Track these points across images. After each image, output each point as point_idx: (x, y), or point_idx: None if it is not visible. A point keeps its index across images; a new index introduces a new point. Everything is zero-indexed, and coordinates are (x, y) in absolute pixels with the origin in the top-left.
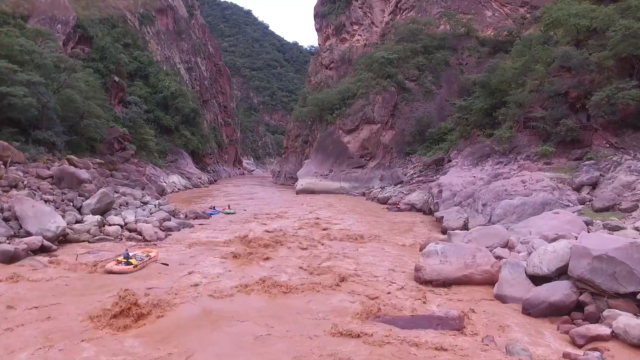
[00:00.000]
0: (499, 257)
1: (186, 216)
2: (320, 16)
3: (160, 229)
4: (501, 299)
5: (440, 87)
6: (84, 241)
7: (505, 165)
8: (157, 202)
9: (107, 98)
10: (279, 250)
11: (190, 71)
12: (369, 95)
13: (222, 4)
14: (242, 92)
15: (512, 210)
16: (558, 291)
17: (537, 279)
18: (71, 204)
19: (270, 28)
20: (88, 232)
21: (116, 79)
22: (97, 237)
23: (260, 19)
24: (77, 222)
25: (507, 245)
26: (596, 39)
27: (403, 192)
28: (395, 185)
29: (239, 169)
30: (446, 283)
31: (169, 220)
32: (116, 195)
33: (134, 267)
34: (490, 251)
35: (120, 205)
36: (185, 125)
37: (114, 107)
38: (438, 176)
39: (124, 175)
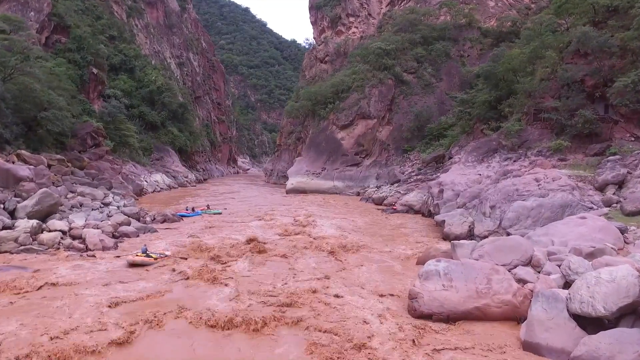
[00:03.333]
0: (522, 281)
1: (153, 219)
2: (315, 8)
3: (114, 235)
4: (533, 348)
5: (440, 79)
6: (5, 252)
7: (514, 161)
8: (121, 202)
9: (76, 89)
10: (237, 266)
11: (182, 66)
12: (365, 89)
13: (220, 1)
14: (239, 90)
15: (526, 214)
16: (628, 346)
17: (588, 322)
18: (1, 206)
19: (268, 26)
20: (15, 240)
21: (94, 71)
22: (24, 247)
23: (258, 16)
24: (4, 227)
25: (531, 263)
26: (617, 19)
27: (400, 192)
28: (392, 184)
29: (233, 167)
30: (452, 318)
31: (128, 224)
32: (70, 195)
33: (154, 259)
34: (509, 271)
35: (72, 207)
36: (172, 122)
37: (92, 101)
38: (438, 174)
39: (92, 173)
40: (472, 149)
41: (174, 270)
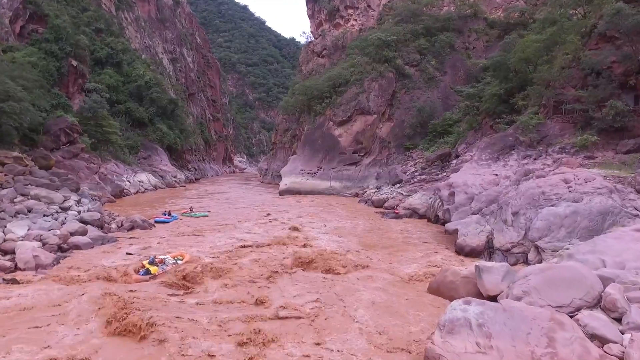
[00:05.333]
0: (596, 338)
1: (120, 225)
2: (312, 0)
3: (61, 248)
4: None
5: (444, 73)
6: None
7: (534, 159)
8: (86, 207)
9: (44, 80)
10: (180, 300)
11: (175, 62)
12: (364, 82)
13: None
14: (237, 88)
15: (558, 223)
16: None
17: None
18: None
19: (267, 24)
20: None
21: (74, 63)
22: None
23: (256, 14)
24: None
25: (602, 305)
26: None
27: (402, 194)
28: (393, 185)
29: (229, 167)
30: None
31: (83, 233)
32: (19, 198)
33: (150, 277)
34: (570, 316)
35: (16, 213)
36: (161, 118)
37: (72, 95)
38: (446, 174)
39: (60, 173)
40: (486, 145)
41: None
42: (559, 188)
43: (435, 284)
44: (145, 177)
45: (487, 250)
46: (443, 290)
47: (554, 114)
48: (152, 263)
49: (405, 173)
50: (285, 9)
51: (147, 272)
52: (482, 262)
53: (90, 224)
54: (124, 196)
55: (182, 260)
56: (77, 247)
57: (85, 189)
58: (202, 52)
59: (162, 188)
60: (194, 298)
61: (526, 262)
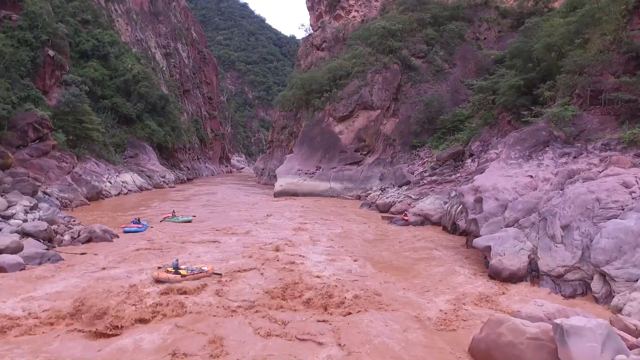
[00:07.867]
0: None
1: (76, 237)
2: None
3: None
4: None
5: (453, 65)
6: None
7: (574, 158)
8: (37, 214)
9: (12, 70)
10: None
11: (169, 57)
12: (367, 75)
13: None
14: (236, 86)
15: (632, 241)
16: None
17: None
18: None
19: (266, 22)
20: None
21: (51, 53)
22: None
23: (256, 12)
24: None
25: None
26: None
27: (411, 197)
28: (400, 186)
29: (226, 166)
30: None
31: (17, 250)
32: None
33: (182, 277)
34: None
35: None
36: (151, 115)
37: (49, 87)
38: (460, 175)
39: (18, 173)
40: (515, 141)
41: None
42: (619, 194)
43: (482, 344)
44: (129, 178)
45: (529, 274)
46: (497, 357)
47: (590, 105)
48: (175, 268)
49: (412, 173)
50: (285, 7)
51: (177, 273)
52: (561, 317)
53: (34, 237)
54: (102, 198)
55: (206, 268)
56: (2, 269)
57: (55, 191)
58: (198, 48)
59: (148, 189)
60: None
61: (586, 293)
